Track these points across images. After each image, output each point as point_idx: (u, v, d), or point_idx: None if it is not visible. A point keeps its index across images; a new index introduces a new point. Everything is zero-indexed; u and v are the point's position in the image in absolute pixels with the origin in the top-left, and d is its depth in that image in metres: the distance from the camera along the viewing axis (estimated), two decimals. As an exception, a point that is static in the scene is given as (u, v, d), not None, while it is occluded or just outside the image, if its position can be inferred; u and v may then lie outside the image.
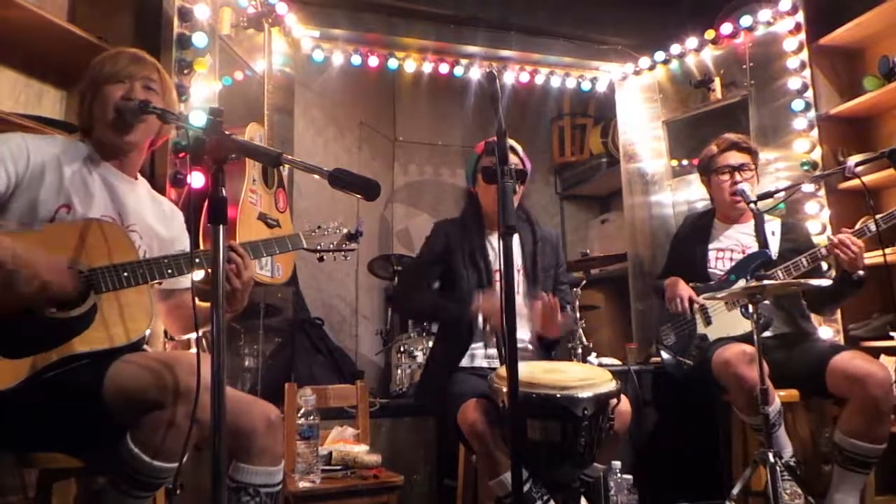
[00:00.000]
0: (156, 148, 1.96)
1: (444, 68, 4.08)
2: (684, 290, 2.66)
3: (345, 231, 1.98)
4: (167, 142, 2.53)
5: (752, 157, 2.73)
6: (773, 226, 2.69)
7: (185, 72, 2.67)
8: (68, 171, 1.67)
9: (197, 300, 1.84)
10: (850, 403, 2.23)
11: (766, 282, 2.09)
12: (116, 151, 1.77)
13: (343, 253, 1.98)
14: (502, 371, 1.96)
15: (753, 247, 2.63)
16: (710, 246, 2.75)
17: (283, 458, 1.67)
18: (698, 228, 2.86)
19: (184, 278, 1.80)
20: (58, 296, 1.49)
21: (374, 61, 3.93)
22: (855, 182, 2.59)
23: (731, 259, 2.68)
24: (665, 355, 2.78)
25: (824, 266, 2.60)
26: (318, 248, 1.95)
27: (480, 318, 2.25)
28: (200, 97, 2.71)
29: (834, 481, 2.24)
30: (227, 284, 1.59)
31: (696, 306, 2.65)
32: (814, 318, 2.79)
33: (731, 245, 2.72)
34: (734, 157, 2.71)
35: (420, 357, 3.62)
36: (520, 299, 2.38)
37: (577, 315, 3.49)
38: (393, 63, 3.98)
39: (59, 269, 1.49)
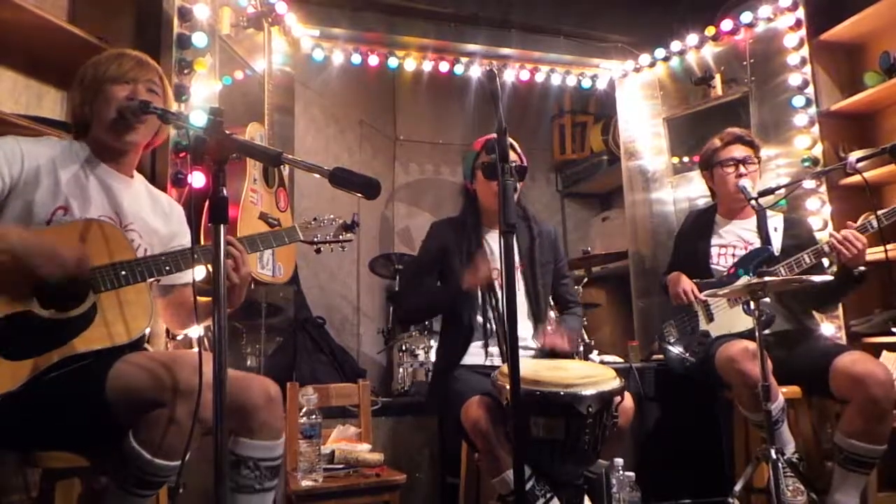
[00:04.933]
0: (153, 148, 1.96)
1: (444, 67, 4.08)
2: (686, 282, 2.66)
3: (340, 222, 1.98)
4: (168, 142, 2.54)
5: (755, 151, 2.73)
6: (775, 221, 2.68)
7: (186, 72, 2.66)
8: (64, 172, 1.67)
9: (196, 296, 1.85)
10: (852, 404, 2.23)
11: (767, 278, 2.09)
12: (114, 152, 1.78)
13: (340, 244, 1.98)
14: (505, 369, 1.96)
15: (755, 242, 2.62)
16: (712, 241, 2.75)
17: (284, 432, 1.69)
18: (700, 224, 2.85)
19: (184, 274, 1.81)
20: (80, 270, 1.50)
21: (374, 60, 3.93)
22: (856, 178, 2.59)
23: (734, 255, 2.68)
24: (668, 351, 2.78)
25: (825, 262, 2.59)
26: (315, 239, 1.95)
27: (478, 289, 2.26)
28: (201, 97, 2.71)
29: (835, 481, 2.24)
30: (226, 280, 1.60)
31: (699, 300, 2.65)
32: (816, 314, 2.78)
33: (732, 241, 2.72)
34: (738, 151, 2.70)
35: (422, 355, 3.62)
36: (519, 297, 2.37)
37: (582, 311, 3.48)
38: (393, 62, 3.98)
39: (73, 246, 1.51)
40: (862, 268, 2.39)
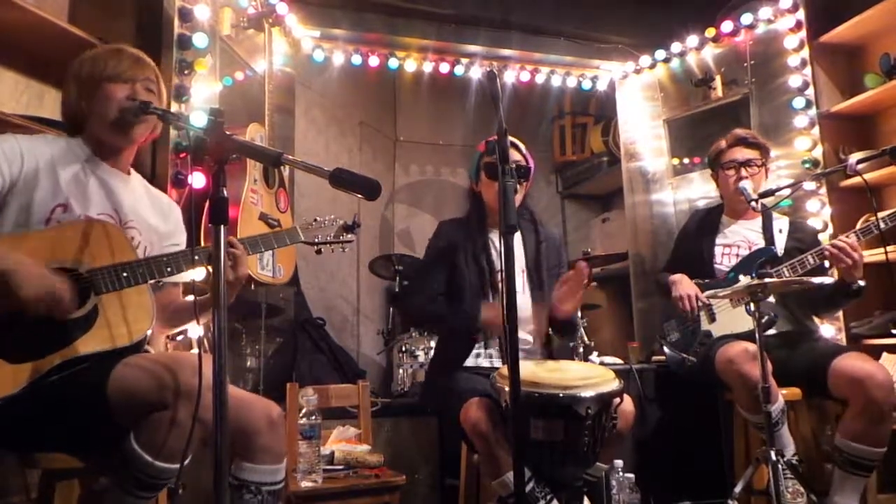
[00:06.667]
0: (144, 144, 1.94)
1: (444, 68, 4.08)
2: (690, 287, 2.65)
3: (341, 223, 1.98)
4: (168, 143, 2.54)
5: (760, 152, 2.72)
6: (781, 224, 2.69)
7: (186, 72, 2.67)
8: (63, 170, 1.66)
9: (183, 295, 1.85)
10: (851, 406, 2.23)
11: (767, 280, 2.09)
12: (112, 149, 1.78)
13: (341, 245, 1.98)
14: (504, 370, 1.96)
15: (760, 243, 2.64)
16: (717, 241, 2.75)
17: (285, 455, 1.68)
18: (706, 223, 2.85)
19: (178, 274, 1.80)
20: (58, 305, 1.47)
21: (374, 61, 3.93)
22: (856, 180, 2.58)
23: (738, 255, 2.68)
24: (669, 352, 2.78)
25: (827, 264, 2.59)
26: (316, 240, 1.95)
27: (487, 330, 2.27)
28: (201, 97, 2.71)
29: (835, 483, 2.24)
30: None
31: (701, 304, 2.64)
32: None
33: (737, 241, 2.72)
34: (740, 153, 2.71)
35: (422, 356, 3.62)
36: (522, 299, 2.37)
37: (579, 314, 3.49)
38: (393, 63, 3.98)
39: (52, 279, 1.47)
40: (860, 283, 2.39)
